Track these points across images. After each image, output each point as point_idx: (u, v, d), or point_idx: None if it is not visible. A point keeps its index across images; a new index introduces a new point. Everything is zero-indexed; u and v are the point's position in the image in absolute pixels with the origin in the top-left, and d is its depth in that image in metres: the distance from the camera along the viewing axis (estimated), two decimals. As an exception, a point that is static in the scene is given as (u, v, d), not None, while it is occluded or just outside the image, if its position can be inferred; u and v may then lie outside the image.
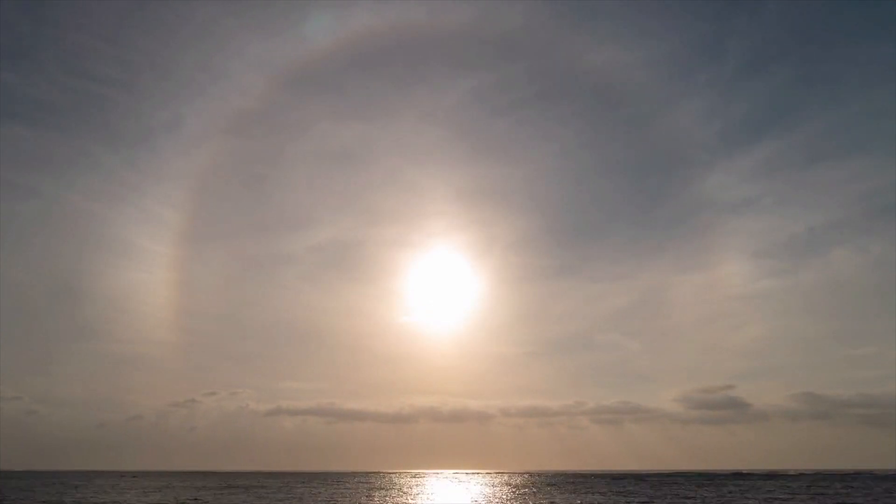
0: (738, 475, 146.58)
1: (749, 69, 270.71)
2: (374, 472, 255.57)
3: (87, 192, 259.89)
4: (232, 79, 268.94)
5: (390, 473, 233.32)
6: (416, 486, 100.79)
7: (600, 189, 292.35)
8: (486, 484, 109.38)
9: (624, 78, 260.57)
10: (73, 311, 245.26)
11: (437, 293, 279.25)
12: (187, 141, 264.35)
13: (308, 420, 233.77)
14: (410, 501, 61.71)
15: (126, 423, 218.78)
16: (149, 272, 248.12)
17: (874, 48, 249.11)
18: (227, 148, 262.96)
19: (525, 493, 74.89)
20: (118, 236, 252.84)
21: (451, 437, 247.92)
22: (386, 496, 69.57)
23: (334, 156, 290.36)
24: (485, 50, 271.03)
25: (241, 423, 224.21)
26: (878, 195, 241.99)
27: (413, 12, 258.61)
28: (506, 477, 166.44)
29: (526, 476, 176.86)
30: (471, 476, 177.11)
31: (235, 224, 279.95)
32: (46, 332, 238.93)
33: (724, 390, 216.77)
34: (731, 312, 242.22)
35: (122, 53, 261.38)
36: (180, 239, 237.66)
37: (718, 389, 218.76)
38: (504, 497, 68.45)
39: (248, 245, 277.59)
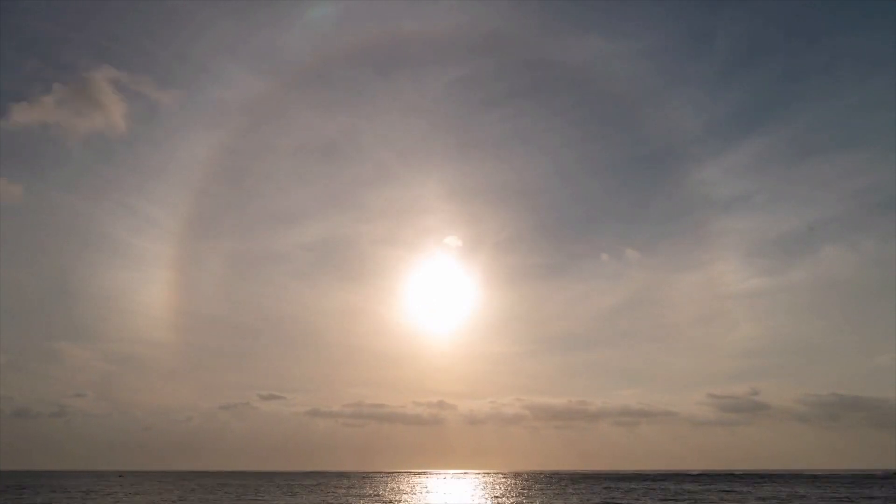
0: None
1: (738, 62, 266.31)
2: (371, 473, 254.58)
3: (61, 185, 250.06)
4: (209, 68, 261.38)
5: (391, 474, 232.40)
6: (409, 487, 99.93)
7: (589, 185, 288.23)
8: (483, 484, 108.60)
9: (611, 72, 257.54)
10: (56, 308, 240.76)
11: (431, 292, 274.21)
12: (164, 133, 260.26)
13: (310, 420, 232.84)
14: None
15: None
16: (134, 269, 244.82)
17: (866, 39, 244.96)
18: (204, 139, 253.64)
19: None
20: (95, 230, 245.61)
21: (451, 437, 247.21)
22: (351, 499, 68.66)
23: (319, 149, 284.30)
24: (470, 41, 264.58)
25: (244, 424, 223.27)
26: (873, 190, 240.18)
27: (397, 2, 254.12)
28: (499, 477, 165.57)
29: (517, 475, 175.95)
30: (475, 476, 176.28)
31: (219, 219, 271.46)
32: (30, 330, 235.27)
33: (726, 391, 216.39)
34: (726, 311, 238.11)
35: (92, 41, 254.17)
36: (161, 233, 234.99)
37: (720, 390, 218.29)
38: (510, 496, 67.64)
39: (234, 241, 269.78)
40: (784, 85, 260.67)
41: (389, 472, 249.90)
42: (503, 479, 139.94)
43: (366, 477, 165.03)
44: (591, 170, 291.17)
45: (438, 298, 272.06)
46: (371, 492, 79.81)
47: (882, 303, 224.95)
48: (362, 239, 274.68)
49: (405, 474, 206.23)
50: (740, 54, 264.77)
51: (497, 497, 69.38)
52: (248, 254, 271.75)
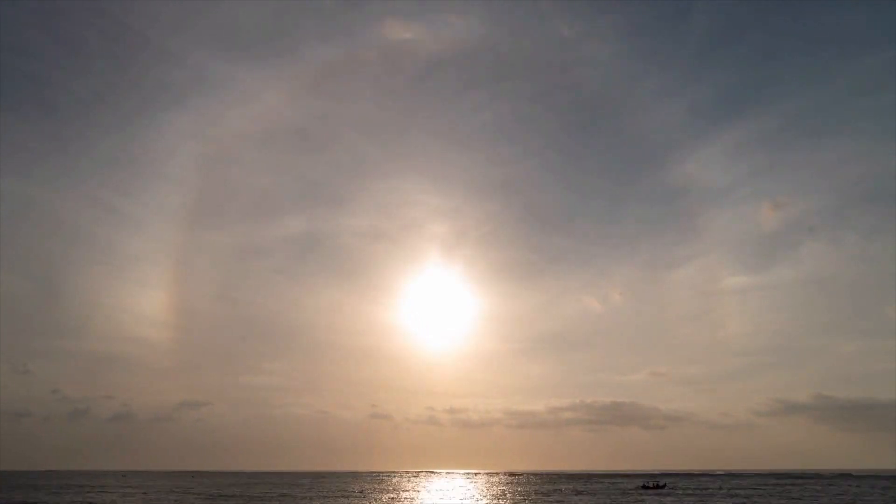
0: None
1: (717, 43, 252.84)
2: (368, 472, 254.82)
3: (18, 173, 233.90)
4: (163, 48, 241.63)
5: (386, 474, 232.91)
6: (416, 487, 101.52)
7: (572, 176, 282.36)
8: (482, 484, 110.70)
9: (585, 55, 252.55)
10: (39, 303, 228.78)
11: (419, 289, 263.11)
12: (120, 117, 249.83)
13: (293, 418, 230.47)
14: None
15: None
16: (109, 264, 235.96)
17: (853, 17, 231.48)
18: (163, 123, 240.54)
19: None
20: (61, 221, 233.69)
21: (444, 438, 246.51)
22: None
23: (290, 136, 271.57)
24: (438, 22, 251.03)
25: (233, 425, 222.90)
26: (862, 182, 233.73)
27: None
28: (497, 478, 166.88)
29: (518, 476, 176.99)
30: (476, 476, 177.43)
31: (191, 210, 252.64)
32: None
33: (720, 390, 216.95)
34: (713, 308, 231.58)
35: (38, 21, 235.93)
36: (129, 224, 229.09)
37: (713, 389, 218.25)
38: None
39: (210, 234, 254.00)
40: (765, 68, 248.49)
41: (383, 473, 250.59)
42: (504, 479, 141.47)
43: (335, 477, 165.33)
44: (573, 160, 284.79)
45: (426, 296, 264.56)
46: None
47: (874, 297, 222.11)
48: (345, 233, 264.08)
49: (397, 475, 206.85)
50: (718, 35, 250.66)
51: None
52: (228, 248, 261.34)
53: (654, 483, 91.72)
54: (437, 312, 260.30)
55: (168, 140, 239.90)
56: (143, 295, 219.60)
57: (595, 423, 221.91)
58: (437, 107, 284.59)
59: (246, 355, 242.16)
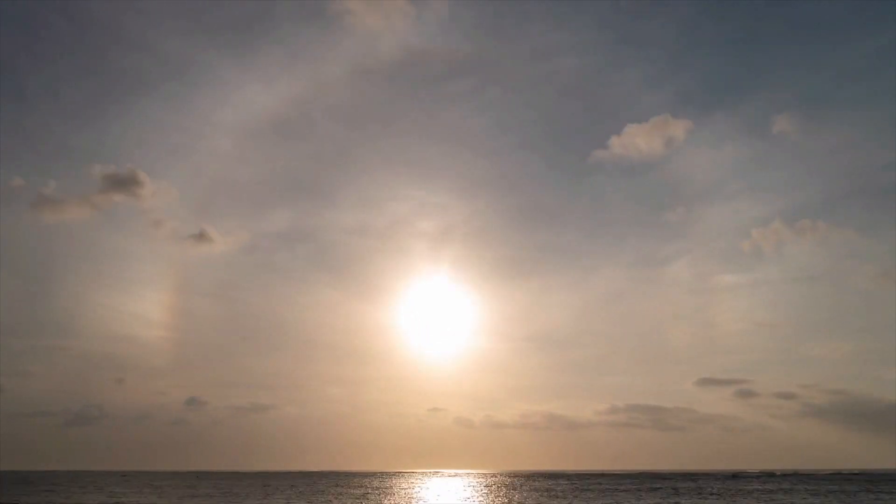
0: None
1: (700, 30, 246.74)
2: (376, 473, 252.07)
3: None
4: (125, 32, 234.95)
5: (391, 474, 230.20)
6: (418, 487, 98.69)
7: (555, 173, 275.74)
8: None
9: (566, 44, 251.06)
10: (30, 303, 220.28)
11: (408, 287, 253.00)
12: (80, 105, 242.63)
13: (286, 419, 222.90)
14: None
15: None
16: (98, 262, 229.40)
17: (845, 1, 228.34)
18: (133, 112, 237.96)
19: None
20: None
21: (442, 440, 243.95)
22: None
23: (266, 125, 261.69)
24: (422, 9, 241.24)
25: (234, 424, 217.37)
26: (853, 176, 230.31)
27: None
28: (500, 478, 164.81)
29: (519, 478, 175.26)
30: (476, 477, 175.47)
31: (168, 202, 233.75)
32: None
33: (717, 389, 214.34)
34: (705, 305, 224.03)
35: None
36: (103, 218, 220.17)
37: (710, 388, 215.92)
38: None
39: (193, 228, 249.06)
40: (752, 56, 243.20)
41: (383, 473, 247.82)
42: (508, 479, 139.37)
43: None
44: (561, 154, 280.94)
45: (416, 295, 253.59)
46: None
47: (866, 297, 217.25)
48: (331, 228, 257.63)
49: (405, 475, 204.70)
50: (703, 21, 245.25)
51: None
52: (214, 243, 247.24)
53: None
54: (434, 312, 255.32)
55: (136, 129, 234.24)
56: (132, 293, 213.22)
57: (616, 426, 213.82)
58: (420, 98, 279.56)
59: (245, 354, 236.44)
